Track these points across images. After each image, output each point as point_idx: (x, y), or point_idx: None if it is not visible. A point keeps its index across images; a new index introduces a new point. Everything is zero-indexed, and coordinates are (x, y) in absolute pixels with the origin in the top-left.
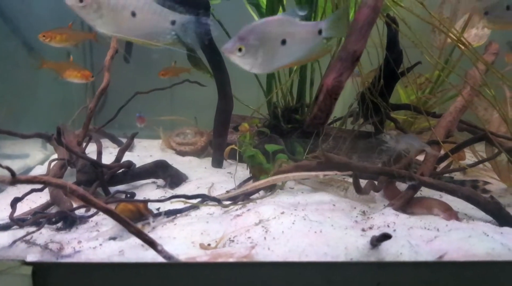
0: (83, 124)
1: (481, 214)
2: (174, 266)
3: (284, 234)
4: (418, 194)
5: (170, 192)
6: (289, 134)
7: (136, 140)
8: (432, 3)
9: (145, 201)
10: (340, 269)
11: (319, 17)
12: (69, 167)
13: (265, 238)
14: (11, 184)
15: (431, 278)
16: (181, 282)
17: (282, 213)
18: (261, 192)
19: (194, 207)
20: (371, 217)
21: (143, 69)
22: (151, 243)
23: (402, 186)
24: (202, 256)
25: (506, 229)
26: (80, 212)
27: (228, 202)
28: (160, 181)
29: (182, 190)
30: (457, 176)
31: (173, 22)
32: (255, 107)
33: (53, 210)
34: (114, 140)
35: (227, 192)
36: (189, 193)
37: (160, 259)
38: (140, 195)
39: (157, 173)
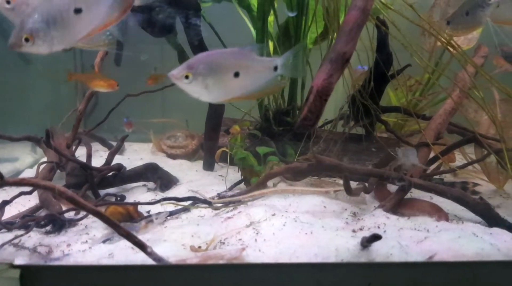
0: (73, 126)
1: (470, 215)
2: (164, 269)
3: (275, 236)
4: (408, 196)
5: (160, 195)
6: (280, 137)
7: (126, 143)
8: (422, 6)
9: (135, 204)
10: (331, 270)
11: (310, 19)
12: (58, 170)
13: (256, 240)
14: None
15: (421, 279)
16: (171, 285)
17: (273, 215)
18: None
19: (185, 209)
20: (362, 219)
21: (134, 72)
22: (141, 246)
23: (392, 187)
24: (192, 258)
25: (495, 229)
26: (70, 215)
27: (219, 204)
28: (151, 184)
29: (173, 193)
30: (447, 178)
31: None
32: (246, 110)
33: (42, 213)
34: (104, 143)
35: (219, 197)
36: (180, 196)
37: (150, 261)
38: (130, 198)
39: (148, 176)
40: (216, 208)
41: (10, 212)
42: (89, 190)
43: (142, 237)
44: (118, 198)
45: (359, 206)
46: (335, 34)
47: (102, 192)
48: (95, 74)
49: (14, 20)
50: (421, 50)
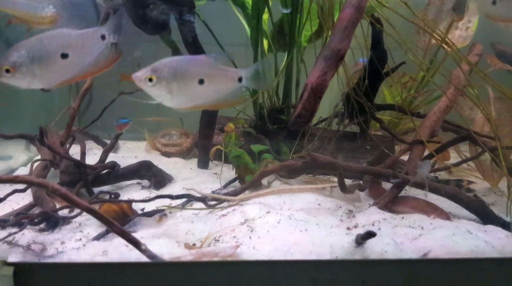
0: (66, 124)
1: (465, 212)
2: (158, 266)
3: (269, 233)
4: (403, 193)
5: (155, 193)
6: (275, 135)
7: (121, 142)
8: (417, 4)
9: (129, 202)
10: (325, 267)
11: (304, 17)
12: (52, 168)
13: (250, 237)
14: None
15: (415, 276)
16: (165, 282)
17: (268, 212)
18: (247, 192)
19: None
20: (356, 216)
21: (128, 70)
22: (135, 243)
23: (387, 185)
24: (186, 256)
25: (489, 227)
26: (64, 213)
27: (213, 202)
28: (145, 182)
29: (167, 190)
30: (442, 175)
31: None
32: (241, 108)
33: (36, 211)
34: (98, 141)
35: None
36: (174, 194)
37: (144, 258)
38: (124, 196)
39: (142, 173)
40: (211, 206)
41: (4, 209)
42: (83, 188)
43: (155, 231)
44: (112, 196)
45: (353, 204)
46: (330, 32)
47: (96, 190)
48: None
49: None
50: (416, 48)
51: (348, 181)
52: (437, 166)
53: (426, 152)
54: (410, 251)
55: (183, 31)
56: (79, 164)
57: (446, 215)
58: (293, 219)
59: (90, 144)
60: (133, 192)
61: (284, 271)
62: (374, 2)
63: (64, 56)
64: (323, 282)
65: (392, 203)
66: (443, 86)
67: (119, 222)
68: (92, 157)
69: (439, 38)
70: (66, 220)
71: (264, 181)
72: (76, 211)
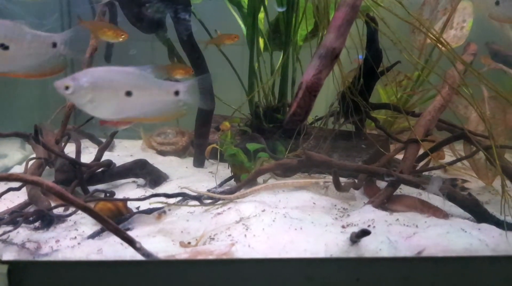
0: (61, 122)
1: (459, 211)
2: (153, 264)
3: (264, 232)
4: (397, 192)
5: (150, 191)
6: (271, 133)
7: (116, 140)
8: (412, 3)
9: (125, 200)
10: (320, 265)
11: (300, 16)
12: (48, 167)
13: (245, 235)
14: None
15: (409, 274)
16: (160, 280)
17: (263, 211)
18: (242, 190)
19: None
20: (351, 214)
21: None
22: (130, 241)
23: (382, 184)
24: (181, 254)
25: (483, 225)
26: (59, 211)
27: (208, 201)
28: (141, 181)
29: (162, 189)
30: (437, 174)
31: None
32: (238, 107)
33: (31, 209)
34: (93, 139)
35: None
36: (170, 192)
37: (139, 257)
38: (120, 194)
39: (137, 172)
40: (206, 205)
41: None
42: (78, 187)
43: (150, 229)
44: (108, 194)
45: (348, 202)
46: (325, 31)
47: (92, 188)
48: (175, 64)
49: None
50: (411, 48)
51: (343, 180)
52: (431, 165)
53: (421, 151)
54: (405, 249)
55: (179, 30)
56: (74, 162)
57: (442, 213)
58: (288, 218)
59: (85, 143)
60: (129, 191)
61: (279, 269)
62: (369, 2)
63: (4, 47)
64: (318, 280)
65: (387, 202)
66: (438, 86)
67: (114, 220)
68: (88, 156)
69: (434, 38)
70: (61, 219)
71: (260, 180)
72: (71, 209)
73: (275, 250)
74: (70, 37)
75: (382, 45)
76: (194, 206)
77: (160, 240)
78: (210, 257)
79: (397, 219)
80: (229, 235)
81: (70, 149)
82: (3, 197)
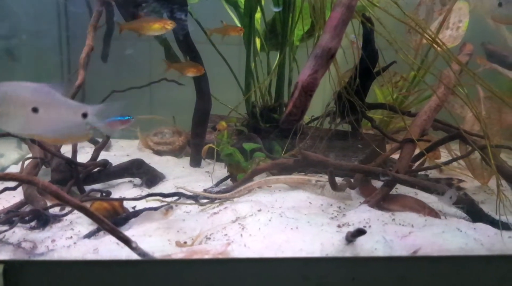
0: None
1: (455, 210)
2: (149, 263)
3: (260, 231)
4: (393, 191)
5: (146, 191)
6: (267, 133)
7: (113, 140)
8: (407, 4)
9: (121, 200)
10: (316, 265)
11: (297, 17)
12: (44, 167)
13: (241, 235)
14: None
15: (405, 273)
16: (156, 280)
17: (259, 210)
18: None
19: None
20: (347, 214)
21: (123, 68)
22: (126, 241)
23: (378, 183)
24: (177, 254)
25: (479, 225)
26: (55, 211)
27: (204, 200)
28: (137, 180)
29: (159, 189)
30: (433, 174)
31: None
32: (234, 107)
33: (27, 209)
34: (90, 139)
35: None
36: (166, 192)
37: (135, 256)
38: (116, 194)
39: (133, 171)
40: (202, 204)
41: None
42: (74, 186)
43: (147, 229)
44: (104, 194)
45: (344, 202)
46: (322, 31)
47: (88, 188)
48: (187, 62)
49: None
50: (407, 48)
51: (340, 180)
52: (427, 165)
53: (417, 151)
54: (400, 248)
55: (175, 29)
56: (70, 162)
57: (435, 213)
58: (284, 217)
59: (82, 143)
60: (125, 190)
61: (274, 269)
62: (365, 2)
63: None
64: (314, 279)
65: (382, 201)
66: (433, 86)
67: (110, 220)
68: (84, 155)
69: (430, 38)
70: (57, 218)
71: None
72: (67, 209)
73: (271, 249)
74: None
75: (378, 45)
76: (190, 204)
77: (156, 240)
78: (206, 256)
79: (393, 219)
80: (225, 235)
81: (66, 149)
82: None
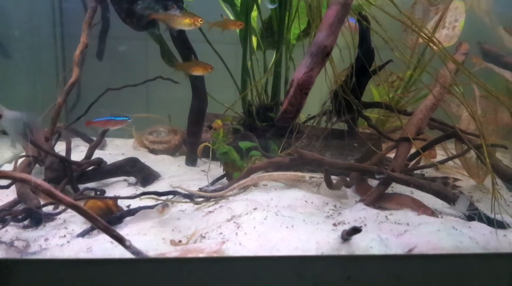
0: (51, 119)
1: (450, 209)
2: (143, 262)
3: (255, 230)
4: (389, 190)
5: (141, 190)
6: (263, 132)
7: (108, 139)
8: (404, 2)
9: (115, 198)
10: (311, 263)
11: (293, 15)
12: (38, 166)
13: (236, 233)
14: None
15: (400, 271)
16: (150, 278)
17: (255, 209)
18: (235, 190)
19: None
20: (343, 213)
21: (119, 65)
22: (119, 239)
23: (374, 182)
24: (171, 252)
25: (474, 223)
26: (48, 209)
27: (200, 199)
28: (132, 179)
29: (154, 187)
30: (429, 173)
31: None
32: (230, 105)
33: (21, 207)
34: (85, 138)
35: (200, 189)
36: (161, 191)
37: (128, 255)
38: (110, 193)
39: (128, 170)
40: (198, 203)
41: None
42: (68, 185)
43: (141, 227)
44: (98, 193)
45: (340, 200)
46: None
47: (83, 186)
48: (194, 61)
49: None
50: (403, 47)
51: (335, 178)
52: (423, 164)
53: (413, 150)
54: (396, 247)
55: (169, 25)
56: (64, 160)
57: (430, 212)
58: (279, 216)
59: (77, 141)
60: (120, 189)
61: (270, 267)
62: (362, 0)
63: None
64: (309, 277)
65: (378, 200)
66: (430, 85)
67: (104, 218)
68: (79, 154)
69: (426, 37)
70: (51, 217)
71: None
72: (61, 207)
73: (266, 248)
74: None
75: (374, 45)
76: (186, 202)
77: (151, 238)
78: (201, 255)
79: (389, 217)
80: (220, 233)
81: (61, 148)
82: None
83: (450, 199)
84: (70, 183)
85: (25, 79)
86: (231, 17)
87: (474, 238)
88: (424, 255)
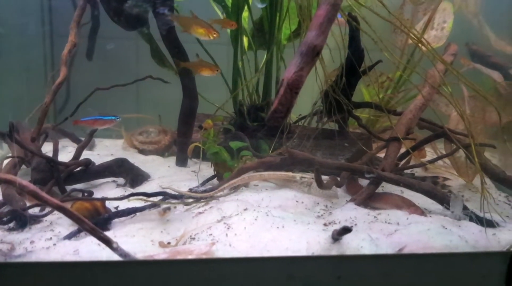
0: (38, 119)
1: (440, 208)
2: (130, 264)
3: (246, 230)
4: (380, 190)
5: (130, 191)
6: (254, 132)
7: (97, 139)
8: (393, 3)
9: (103, 199)
10: (302, 263)
11: (284, 15)
12: (25, 166)
13: (226, 234)
14: None
15: (391, 270)
16: (137, 281)
17: (245, 209)
18: (225, 190)
19: (155, 205)
20: (333, 212)
21: (110, 66)
22: (106, 241)
23: (364, 182)
24: (160, 254)
25: (463, 222)
26: (35, 211)
27: (190, 200)
28: (120, 180)
29: (143, 188)
30: (418, 173)
31: None
32: (221, 105)
33: (6, 209)
34: (73, 138)
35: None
36: (151, 192)
37: (116, 257)
38: (98, 194)
39: (116, 171)
40: (187, 204)
41: None
42: (55, 186)
43: (129, 229)
44: (86, 194)
45: (331, 200)
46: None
47: (70, 188)
48: (200, 61)
49: None
50: (393, 48)
51: (326, 178)
52: (412, 163)
53: (403, 149)
54: (386, 246)
55: (158, 24)
56: (51, 161)
57: (420, 211)
58: (270, 216)
59: (65, 142)
60: (108, 190)
61: (260, 268)
62: (351, 1)
63: None
64: (299, 278)
65: (369, 199)
66: (419, 85)
67: (91, 220)
68: (67, 155)
69: (415, 38)
70: (37, 219)
71: None
72: (47, 209)
73: (256, 249)
74: None
75: (364, 45)
76: (175, 204)
77: (139, 240)
78: (190, 257)
79: (379, 217)
80: (210, 234)
81: (49, 148)
82: None
83: (440, 198)
84: (57, 184)
85: (12, 79)
86: (221, 16)
87: (464, 237)
88: (414, 254)
